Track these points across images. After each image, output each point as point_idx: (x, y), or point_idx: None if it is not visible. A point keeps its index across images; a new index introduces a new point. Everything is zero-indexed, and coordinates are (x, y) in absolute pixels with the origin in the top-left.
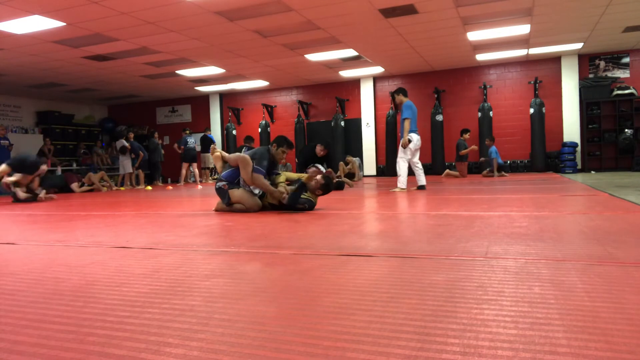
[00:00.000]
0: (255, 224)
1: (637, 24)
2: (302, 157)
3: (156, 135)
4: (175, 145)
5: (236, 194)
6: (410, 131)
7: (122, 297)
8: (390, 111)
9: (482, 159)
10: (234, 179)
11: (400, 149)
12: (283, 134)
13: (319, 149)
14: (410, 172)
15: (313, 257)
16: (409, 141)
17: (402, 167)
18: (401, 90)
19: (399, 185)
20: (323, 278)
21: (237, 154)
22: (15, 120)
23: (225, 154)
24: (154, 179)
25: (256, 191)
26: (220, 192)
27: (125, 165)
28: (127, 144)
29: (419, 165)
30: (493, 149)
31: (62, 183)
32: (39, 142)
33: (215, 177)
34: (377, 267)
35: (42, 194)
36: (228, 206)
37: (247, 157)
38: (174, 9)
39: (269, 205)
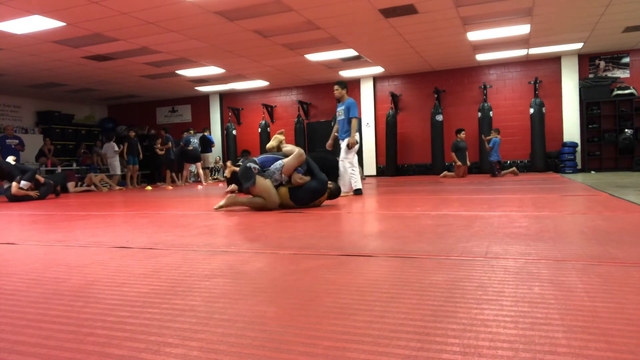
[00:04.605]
0: (255, 224)
1: (637, 24)
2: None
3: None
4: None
5: (262, 182)
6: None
7: (122, 297)
8: (390, 111)
9: (484, 137)
10: (265, 166)
11: (347, 151)
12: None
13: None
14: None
15: (313, 257)
16: (357, 142)
17: (356, 168)
18: (347, 85)
19: (356, 185)
20: (323, 278)
21: (299, 148)
22: (15, 120)
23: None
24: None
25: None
26: (248, 172)
27: (115, 166)
28: (115, 149)
29: (358, 168)
30: (496, 139)
31: (63, 180)
32: (39, 142)
33: (215, 177)
34: (377, 267)
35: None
36: (245, 191)
37: (304, 155)
38: (174, 9)
39: (292, 201)
